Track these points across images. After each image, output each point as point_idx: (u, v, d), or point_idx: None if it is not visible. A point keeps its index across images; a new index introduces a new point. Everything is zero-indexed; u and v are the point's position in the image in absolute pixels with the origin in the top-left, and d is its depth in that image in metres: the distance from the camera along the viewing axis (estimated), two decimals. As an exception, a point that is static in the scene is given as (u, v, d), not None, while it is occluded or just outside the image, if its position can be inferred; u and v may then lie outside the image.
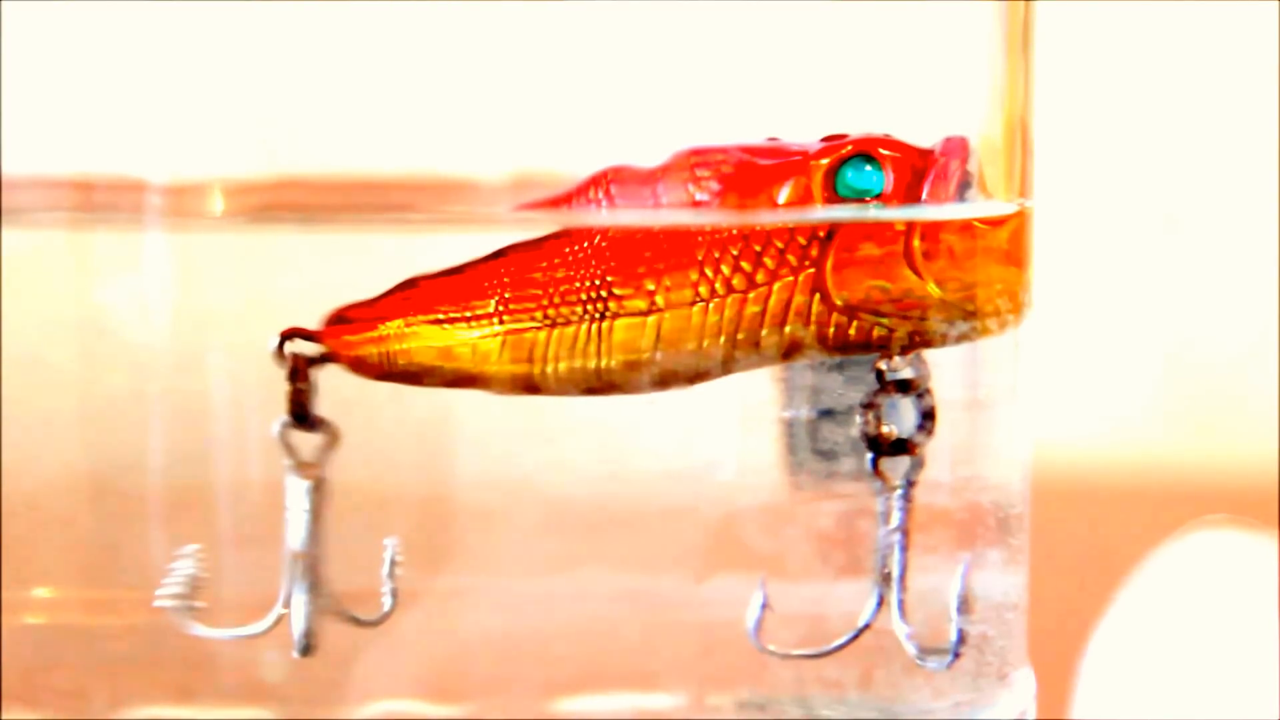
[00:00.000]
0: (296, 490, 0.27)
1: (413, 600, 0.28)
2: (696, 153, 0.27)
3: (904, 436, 0.28)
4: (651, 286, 0.27)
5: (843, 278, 0.27)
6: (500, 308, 0.27)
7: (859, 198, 0.27)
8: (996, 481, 0.29)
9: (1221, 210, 0.65)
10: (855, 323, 0.27)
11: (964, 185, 0.27)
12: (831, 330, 0.27)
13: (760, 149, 0.27)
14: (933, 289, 0.27)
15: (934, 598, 0.28)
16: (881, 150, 0.27)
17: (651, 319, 0.27)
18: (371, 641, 0.28)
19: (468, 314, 0.27)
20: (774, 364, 0.27)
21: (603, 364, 0.27)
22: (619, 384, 0.27)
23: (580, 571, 0.29)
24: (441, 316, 0.27)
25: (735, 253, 0.27)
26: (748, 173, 0.27)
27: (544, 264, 0.27)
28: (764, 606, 0.28)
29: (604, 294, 0.27)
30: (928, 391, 0.27)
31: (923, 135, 0.27)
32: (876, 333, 0.27)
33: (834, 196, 0.27)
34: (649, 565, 0.29)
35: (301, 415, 0.27)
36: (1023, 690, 0.30)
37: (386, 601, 0.27)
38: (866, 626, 0.28)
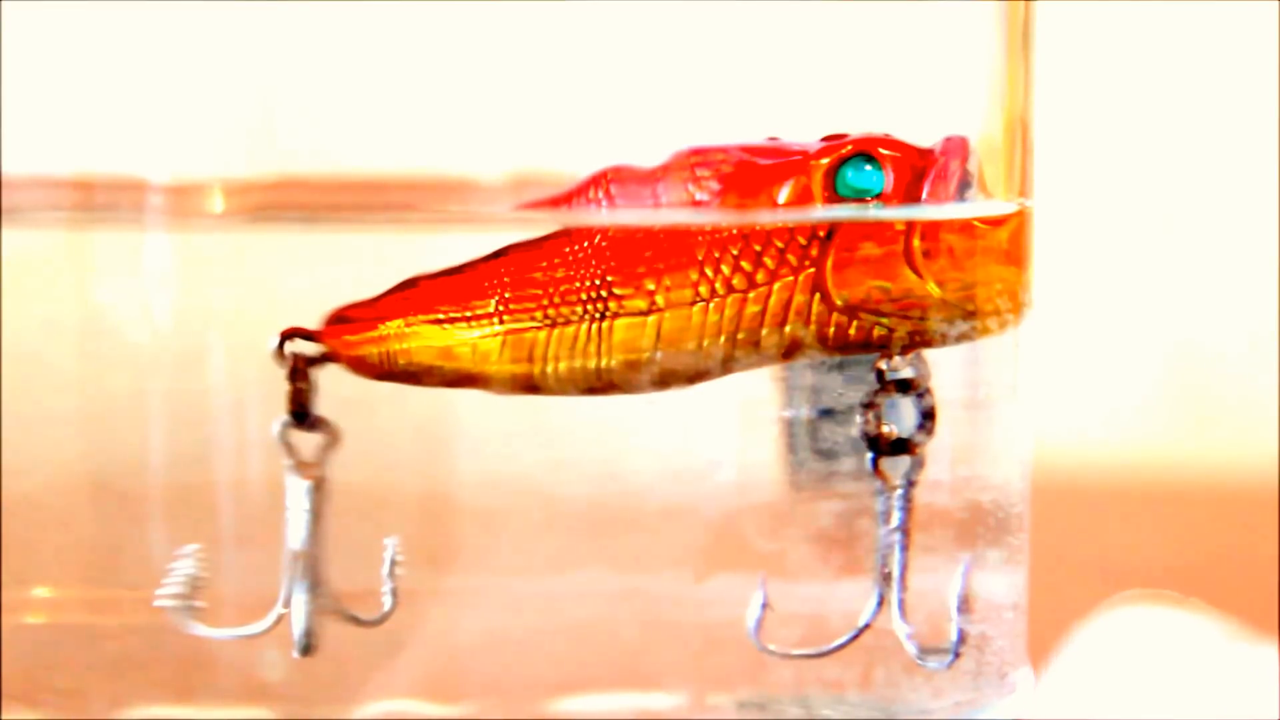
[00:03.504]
0: (296, 490, 0.27)
1: (413, 600, 0.28)
2: (696, 152, 0.27)
3: (904, 436, 0.28)
4: (652, 286, 0.27)
5: (843, 277, 0.27)
6: (500, 307, 0.27)
7: (859, 197, 0.27)
8: (996, 481, 0.29)
9: (1221, 209, 0.65)
10: (855, 322, 0.27)
11: (964, 185, 0.27)
12: (831, 330, 0.27)
13: (760, 149, 0.27)
14: (933, 289, 0.27)
15: (934, 597, 0.28)
16: (881, 150, 0.27)
17: (652, 319, 0.27)
18: (371, 641, 0.28)
19: (468, 314, 0.27)
20: (774, 364, 0.27)
21: (603, 364, 0.27)
22: (619, 384, 0.27)
23: (580, 571, 0.29)
24: (441, 316, 0.27)
25: (735, 252, 0.27)
26: (748, 172, 0.27)
27: (544, 264, 0.27)
28: (764, 606, 0.28)
29: (604, 294, 0.27)
30: (928, 391, 0.27)
31: (923, 135, 0.27)
32: (877, 332, 0.27)
33: (834, 196, 0.27)
34: (649, 565, 0.29)
35: (301, 415, 0.27)
36: (1023, 690, 0.30)
37: (386, 601, 0.27)
38: (866, 626, 0.28)
